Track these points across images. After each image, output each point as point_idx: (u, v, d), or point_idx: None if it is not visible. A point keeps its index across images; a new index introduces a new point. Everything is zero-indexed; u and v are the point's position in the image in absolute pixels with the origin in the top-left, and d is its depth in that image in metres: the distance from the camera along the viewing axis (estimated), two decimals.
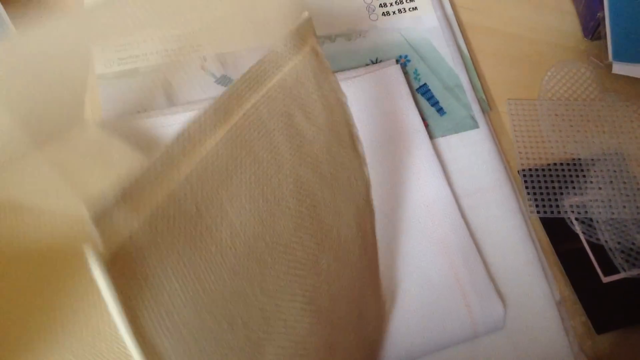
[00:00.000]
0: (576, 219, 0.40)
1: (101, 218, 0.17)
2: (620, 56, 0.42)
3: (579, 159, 0.42)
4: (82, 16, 0.23)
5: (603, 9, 0.45)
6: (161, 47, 0.43)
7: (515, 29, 0.48)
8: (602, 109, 0.45)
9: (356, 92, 0.42)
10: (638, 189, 0.42)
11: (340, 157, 0.28)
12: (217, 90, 0.42)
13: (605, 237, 0.40)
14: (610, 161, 0.43)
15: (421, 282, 0.37)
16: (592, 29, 0.47)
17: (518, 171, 0.42)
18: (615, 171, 0.42)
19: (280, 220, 0.24)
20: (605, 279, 0.39)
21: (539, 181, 0.42)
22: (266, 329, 0.23)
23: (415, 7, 0.47)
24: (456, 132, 0.43)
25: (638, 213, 0.41)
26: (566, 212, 0.41)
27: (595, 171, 0.42)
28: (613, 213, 0.41)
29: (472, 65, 0.46)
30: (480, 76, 0.46)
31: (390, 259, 0.38)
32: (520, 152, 0.43)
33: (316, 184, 0.26)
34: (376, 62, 0.44)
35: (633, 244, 0.40)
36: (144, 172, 0.19)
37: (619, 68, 0.42)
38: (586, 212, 0.41)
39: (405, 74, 0.44)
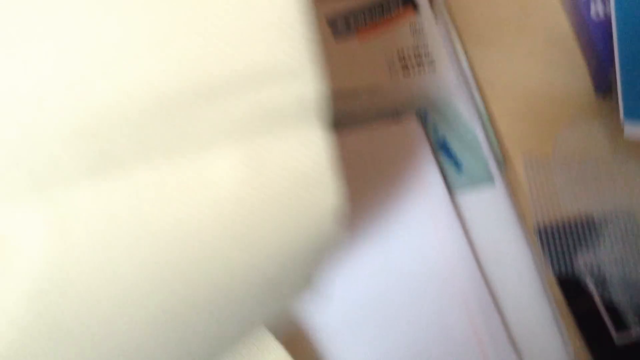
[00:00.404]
0: (590, 277, 0.41)
1: None
2: (632, 114, 0.43)
3: (593, 217, 0.43)
4: None
5: (615, 68, 0.46)
6: None
7: (530, 84, 0.49)
8: (614, 167, 0.46)
9: (375, 146, 0.43)
10: None
11: None
12: None
13: (619, 297, 0.41)
14: (622, 220, 0.43)
15: (440, 340, 0.37)
16: (604, 88, 0.48)
17: (534, 228, 0.43)
18: (627, 230, 0.43)
19: None
20: (619, 339, 0.39)
21: (554, 239, 0.42)
22: None
23: (433, 61, 0.48)
24: (473, 187, 0.43)
25: None
26: (580, 270, 0.41)
27: (608, 230, 0.43)
28: (625, 272, 0.41)
29: (488, 121, 0.47)
30: (495, 131, 0.47)
31: (410, 315, 0.38)
32: (535, 209, 0.44)
33: None
34: (395, 115, 0.45)
35: None
36: None
37: (631, 129, 0.43)
38: (600, 270, 0.41)
39: (424, 127, 0.45)
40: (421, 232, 0.41)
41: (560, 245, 0.42)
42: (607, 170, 0.46)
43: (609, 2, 0.49)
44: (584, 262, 0.42)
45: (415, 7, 0.49)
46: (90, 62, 0.20)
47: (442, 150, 0.45)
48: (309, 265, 0.25)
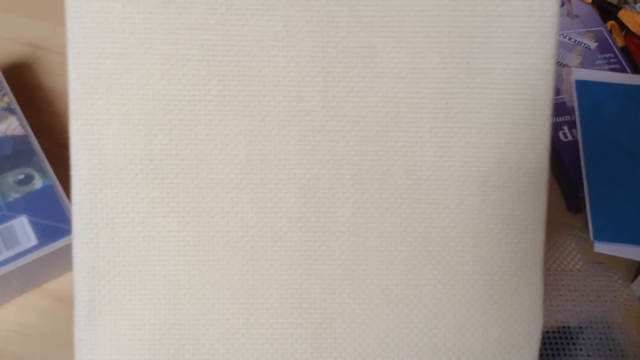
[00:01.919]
0: None
1: None
2: (600, 236, 0.48)
3: (569, 327, 0.47)
4: None
5: (583, 190, 0.51)
6: None
7: None
8: (587, 278, 0.50)
9: None
10: (622, 356, 0.46)
11: None
12: None
13: None
14: (597, 329, 0.47)
15: None
16: (575, 205, 0.53)
17: None
18: (601, 339, 0.47)
19: None
20: None
21: None
22: None
23: None
24: None
25: None
26: None
27: (583, 339, 0.47)
28: None
29: None
30: None
31: None
32: None
33: None
34: None
35: None
36: None
37: (600, 247, 0.48)
38: None
39: None
40: None
41: (539, 354, 0.45)
42: (581, 281, 0.50)
43: (576, 126, 0.55)
44: None
45: None
46: None
47: None
48: None
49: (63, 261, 0.45)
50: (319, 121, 0.31)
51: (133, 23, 0.30)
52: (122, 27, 0.30)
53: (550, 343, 0.46)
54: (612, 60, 0.60)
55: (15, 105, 0.49)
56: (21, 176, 0.46)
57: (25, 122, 0.48)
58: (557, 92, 0.57)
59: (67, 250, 0.44)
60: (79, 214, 0.31)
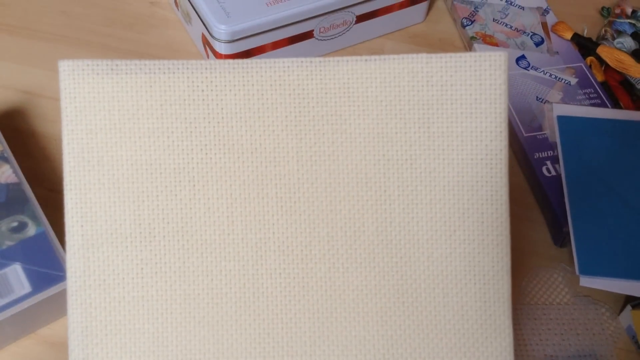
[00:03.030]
0: None
1: None
2: (586, 270, 0.49)
3: None
4: None
5: (568, 225, 0.52)
6: None
7: None
8: (574, 312, 0.51)
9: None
10: None
11: None
12: None
13: None
14: None
15: None
16: (560, 239, 0.54)
17: None
18: None
19: None
20: None
21: None
22: None
23: None
24: None
25: None
26: None
27: None
28: None
29: None
30: None
31: None
32: None
33: None
34: None
35: None
36: None
37: (586, 281, 0.49)
38: None
39: None
40: None
41: None
42: (568, 314, 0.50)
43: (559, 161, 0.56)
44: None
45: None
46: None
47: None
48: None
49: (56, 307, 0.45)
50: (295, 183, 0.33)
51: (121, 101, 0.32)
52: (111, 105, 0.32)
53: None
54: (592, 95, 0.61)
55: (8, 153, 0.50)
56: (15, 224, 0.46)
57: (18, 169, 0.49)
58: (539, 127, 0.59)
59: (60, 296, 0.44)
60: (73, 277, 0.32)
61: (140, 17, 0.68)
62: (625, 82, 0.64)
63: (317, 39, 0.63)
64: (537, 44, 0.66)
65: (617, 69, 0.64)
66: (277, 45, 0.60)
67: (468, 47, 0.67)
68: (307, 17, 0.60)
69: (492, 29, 0.67)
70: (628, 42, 0.66)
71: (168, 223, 0.32)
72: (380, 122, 0.33)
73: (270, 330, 0.33)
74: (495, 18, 0.68)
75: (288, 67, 0.33)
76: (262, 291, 0.33)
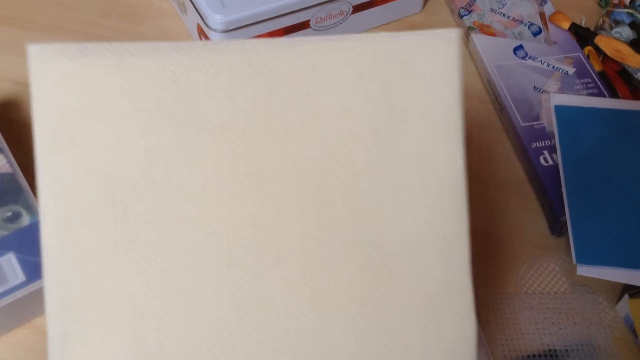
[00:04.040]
0: None
1: None
2: (583, 259, 0.49)
3: (555, 350, 0.47)
4: None
5: (565, 215, 0.52)
6: None
7: (490, 227, 0.55)
8: (572, 301, 0.50)
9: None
10: None
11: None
12: None
13: None
14: (582, 351, 0.48)
15: None
16: (558, 228, 0.53)
17: None
18: None
19: None
20: None
21: None
22: None
23: None
24: None
25: None
26: None
27: None
28: None
29: None
30: None
31: None
32: (502, 345, 0.48)
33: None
34: None
35: None
36: None
37: (583, 270, 0.48)
38: None
39: None
40: None
41: None
42: (566, 303, 0.50)
43: (556, 151, 0.56)
44: None
45: None
46: None
47: None
48: None
49: None
50: (265, 159, 0.34)
51: (91, 83, 0.32)
52: (81, 87, 0.32)
53: None
54: (590, 85, 0.61)
55: (2, 144, 0.49)
56: (9, 214, 0.46)
57: (12, 159, 0.49)
58: (537, 117, 0.58)
59: None
60: (49, 256, 0.32)
61: (136, 8, 0.67)
62: (623, 72, 0.64)
63: (313, 29, 0.62)
64: (535, 34, 0.65)
65: (615, 59, 0.63)
66: (272, 35, 0.60)
67: (465, 37, 0.67)
68: (303, 7, 0.59)
69: (490, 19, 0.66)
70: (626, 32, 0.66)
71: (142, 201, 0.33)
72: (345, 98, 0.35)
73: (245, 299, 0.34)
74: (493, 8, 0.67)
75: (256, 47, 0.34)
76: (236, 262, 0.34)
